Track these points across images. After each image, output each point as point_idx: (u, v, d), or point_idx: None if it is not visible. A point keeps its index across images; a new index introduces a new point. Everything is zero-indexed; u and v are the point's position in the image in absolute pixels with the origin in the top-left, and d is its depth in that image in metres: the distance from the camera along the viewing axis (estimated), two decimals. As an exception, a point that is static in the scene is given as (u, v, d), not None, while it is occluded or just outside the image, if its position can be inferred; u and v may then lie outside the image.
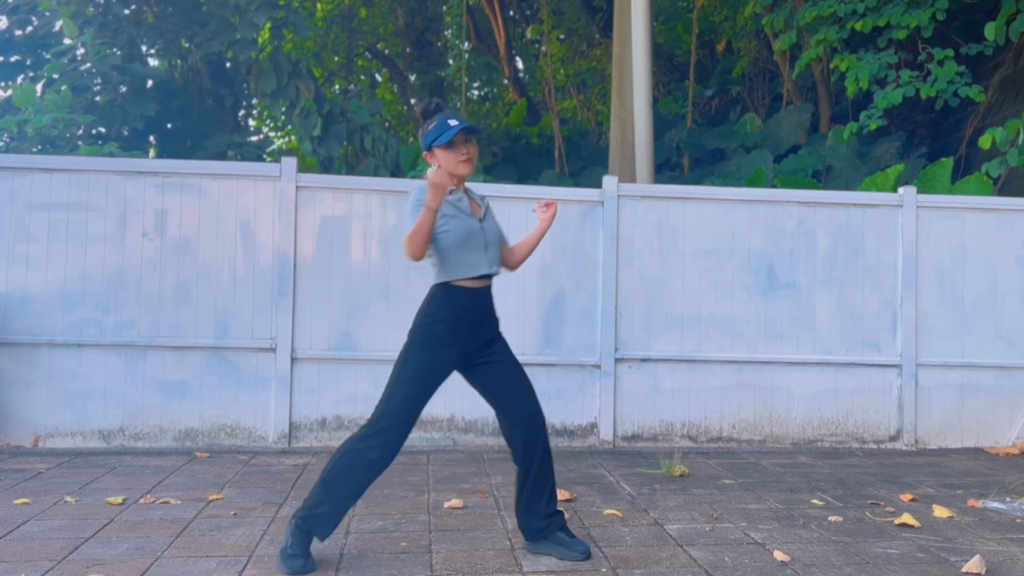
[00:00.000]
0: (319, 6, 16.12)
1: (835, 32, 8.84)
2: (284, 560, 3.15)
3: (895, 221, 6.17)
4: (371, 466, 3.18)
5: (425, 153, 3.28)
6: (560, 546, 3.32)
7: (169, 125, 11.49)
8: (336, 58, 17.04)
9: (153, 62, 12.60)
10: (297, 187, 5.75)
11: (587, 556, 3.30)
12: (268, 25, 10.18)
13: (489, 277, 3.33)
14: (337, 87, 17.36)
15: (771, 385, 6.03)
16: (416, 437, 5.74)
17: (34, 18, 10.55)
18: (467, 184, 3.45)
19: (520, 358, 5.97)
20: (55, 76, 9.29)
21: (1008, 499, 4.47)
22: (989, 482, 4.93)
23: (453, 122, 3.18)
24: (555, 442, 5.86)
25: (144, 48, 11.87)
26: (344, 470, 3.18)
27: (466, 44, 16.30)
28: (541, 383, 5.85)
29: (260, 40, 10.62)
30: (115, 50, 10.12)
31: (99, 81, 9.82)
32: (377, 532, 3.66)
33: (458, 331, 3.25)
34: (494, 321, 3.40)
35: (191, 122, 11.58)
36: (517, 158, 12.84)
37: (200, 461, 5.23)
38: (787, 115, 10.91)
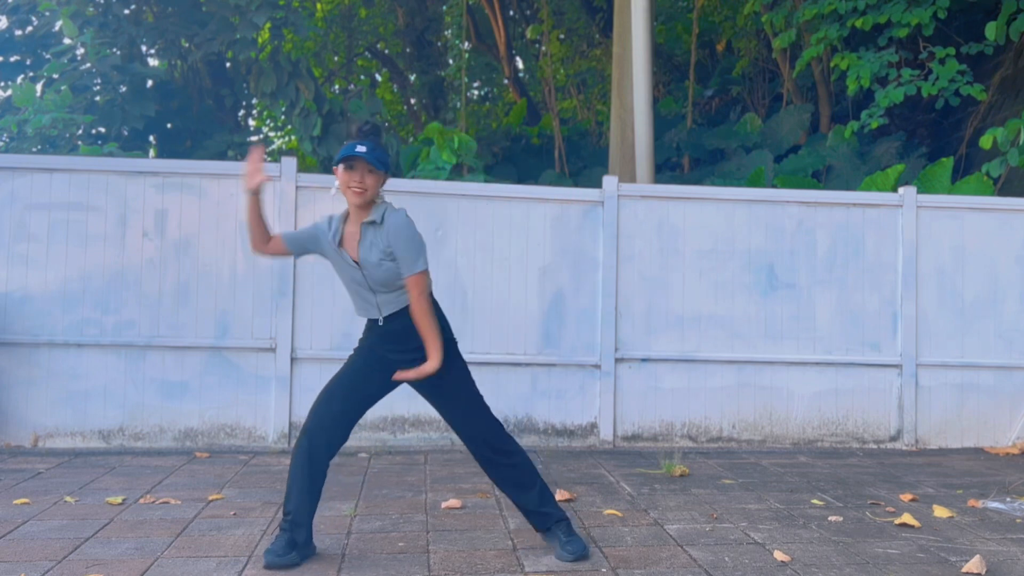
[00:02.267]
0: (319, 6, 16.11)
1: (835, 30, 8.84)
2: (265, 553, 3.21)
3: (895, 221, 6.16)
4: (303, 467, 3.21)
5: (334, 168, 3.25)
6: (556, 544, 3.33)
7: (169, 125, 11.48)
8: (336, 58, 17.04)
9: (153, 62, 12.60)
10: (297, 187, 5.75)
11: (577, 558, 3.28)
12: (268, 25, 10.18)
13: (380, 321, 3.27)
14: (337, 87, 17.36)
15: (771, 385, 6.03)
16: (414, 437, 5.74)
17: (34, 18, 10.54)
18: (381, 206, 3.24)
19: (520, 358, 6.00)
20: (55, 76, 9.28)
21: (1008, 499, 4.47)
22: (989, 482, 4.92)
23: (360, 148, 3.12)
24: (555, 442, 5.86)
25: (144, 48, 11.87)
26: (290, 476, 3.25)
27: (466, 44, 16.29)
28: (541, 383, 5.86)
29: (260, 40, 10.61)
30: (115, 50, 10.11)
31: (99, 81, 9.82)
32: (376, 532, 3.66)
33: (377, 357, 3.30)
34: (420, 355, 3.22)
35: (191, 122, 11.57)
36: (517, 158, 12.84)
37: (200, 461, 5.23)
38: (787, 115, 10.90)
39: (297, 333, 5.69)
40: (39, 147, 8.40)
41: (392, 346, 3.29)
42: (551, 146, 13.27)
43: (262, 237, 3.29)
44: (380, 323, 3.28)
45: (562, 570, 3.19)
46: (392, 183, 6.02)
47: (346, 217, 3.31)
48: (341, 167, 3.18)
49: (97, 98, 9.91)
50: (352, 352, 3.40)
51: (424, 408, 5.68)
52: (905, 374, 6.07)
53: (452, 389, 3.32)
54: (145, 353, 5.59)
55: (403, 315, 3.25)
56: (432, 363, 3.17)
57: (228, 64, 12.77)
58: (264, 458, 5.35)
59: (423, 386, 3.32)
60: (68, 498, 4.19)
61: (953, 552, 3.49)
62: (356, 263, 3.22)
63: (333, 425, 3.26)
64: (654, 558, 3.36)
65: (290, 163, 5.78)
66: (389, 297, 3.25)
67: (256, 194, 3.21)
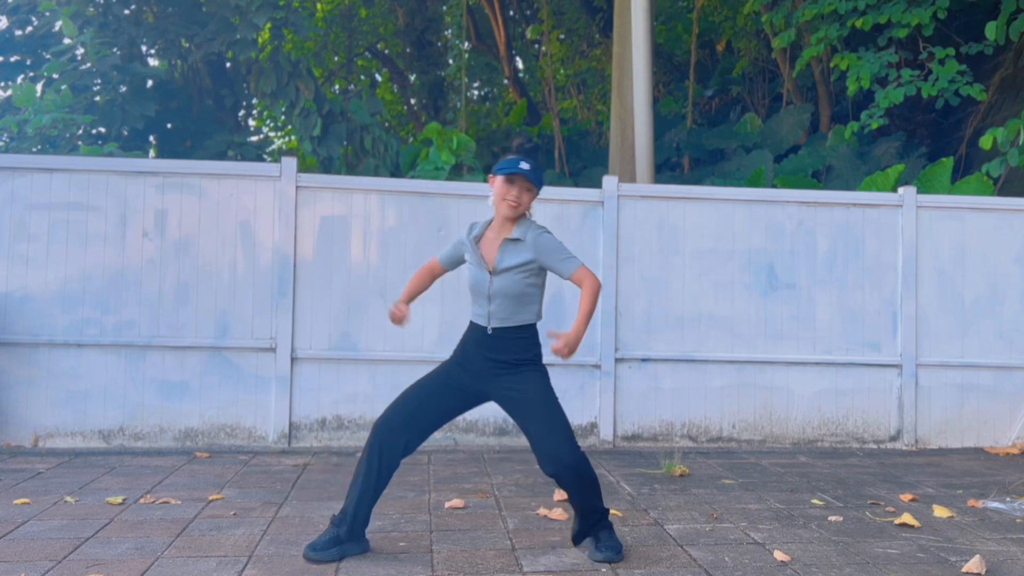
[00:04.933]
0: (319, 6, 16.11)
1: (835, 30, 8.84)
2: (306, 546, 3.30)
3: (895, 221, 6.16)
4: (362, 461, 3.30)
5: (489, 175, 3.33)
6: (592, 546, 3.34)
7: (169, 125, 11.48)
8: (336, 58, 17.04)
9: (153, 62, 12.60)
10: (297, 187, 5.75)
11: (607, 560, 3.28)
12: (268, 25, 10.18)
13: (488, 330, 3.29)
14: (337, 87, 17.36)
15: (771, 385, 6.03)
16: (416, 437, 5.74)
17: (34, 18, 10.54)
18: (525, 223, 3.33)
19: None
20: (55, 76, 9.28)
21: (1008, 499, 4.47)
22: (989, 482, 4.93)
23: (524, 165, 3.23)
24: (555, 442, 5.85)
25: (144, 48, 11.87)
26: (354, 475, 3.35)
27: (466, 44, 16.30)
28: (541, 383, 5.85)
29: (260, 40, 10.61)
30: (115, 50, 10.11)
31: (99, 81, 9.82)
32: (377, 532, 3.66)
33: (467, 359, 3.35)
34: (511, 361, 3.30)
35: (191, 122, 11.57)
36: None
37: (200, 461, 5.23)
38: (787, 115, 10.91)
39: (297, 333, 5.69)
40: (39, 147, 8.40)
41: (492, 353, 3.30)
42: (551, 146, 13.28)
43: (426, 284, 3.61)
44: (488, 332, 3.31)
45: (560, 570, 3.19)
46: (392, 183, 6.04)
47: (490, 223, 3.40)
48: (500, 179, 3.25)
49: (97, 98, 9.91)
50: (446, 360, 3.44)
51: (424, 408, 5.67)
52: (905, 374, 6.07)
53: (535, 404, 3.28)
54: (145, 353, 5.59)
55: (510, 332, 3.30)
56: (571, 336, 3.15)
57: (228, 64, 12.77)
58: (264, 458, 5.35)
59: (508, 401, 3.32)
60: (68, 498, 4.19)
61: (953, 552, 3.49)
62: (488, 268, 3.29)
63: (402, 426, 3.29)
64: (654, 558, 3.36)
65: (290, 163, 5.78)
66: (501, 312, 3.28)
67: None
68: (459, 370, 3.36)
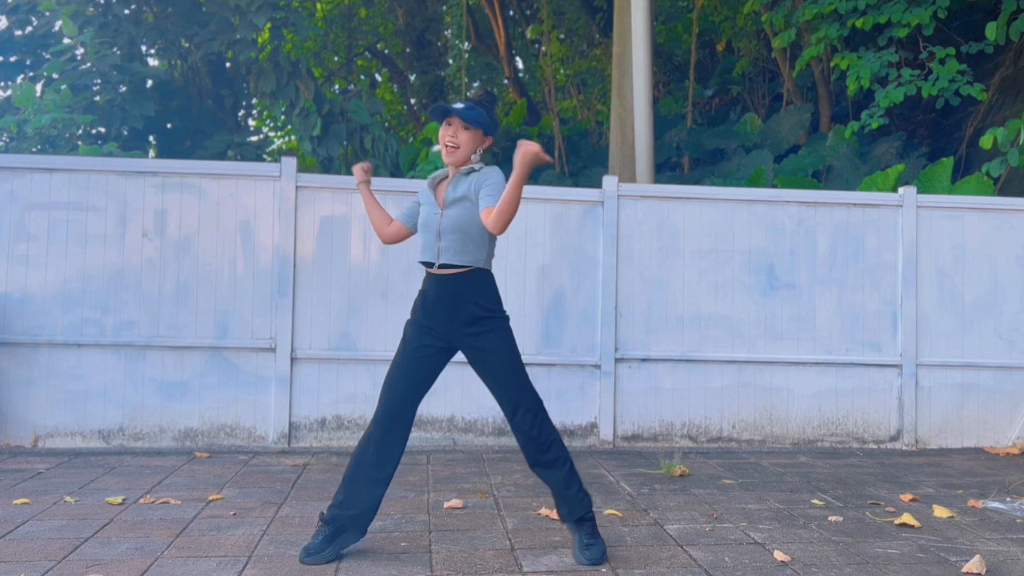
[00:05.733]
0: (319, 6, 16.12)
1: (835, 30, 8.84)
2: (301, 550, 3.27)
3: (895, 221, 6.16)
4: (372, 455, 3.29)
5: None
6: (577, 546, 3.30)
7: (169, 125, 11.49)
8: (336, 58, 17.05)
9: (153, 62, 12.60)
10: (297, 187, 5.75)
11: (593, 563, 3.24)
12: (268, 25, 10.18)
13: (435, 265, 3.29)
14: (337, 87, 17.37)
15: (771, 385, 6.03)
16: (416, 437, 5.74)
17: (34, 18, 10.54)
18: (473, 166, 3.32)
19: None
20: (55, 75, 9.28)
21: (1008, 499, 4.47)
22: (989, 482, 4.92)
23: (457, 105, 3.27)
24: (555, 442, 5.85)
25: (144, 48, 11.87)
26: (352, 465, 3.35)
27: (466, 44, 16.30)
28: (541, 383, 5.85)
29: (260, 40, 10.62)
30: (115, 50, 10.11)
31: (99, 81, 9.82)
32: (377, 532, 3.66)
33: (424, 311, 3.35)
34: (469, 311, 3.27)
35: (191, 122, 11.57)
36: (517, 158, 12.80)
37: (200, 461, 5.23)
38: (787, 115, 10.90)
39: (297, 333, 5.69)
40: (39, 147, 8.40)
41: (443, 310, 3.29)
42: (551, 146, 13.27)
43: (383, 221, 3.61)
44: (437, 267, 3.29)
45: (560, 570, 3.19)
46: (392, 183, 6.04)
47: (448, 174, 3.47)
48: (440, 127, 3.34)
49: (97, 98, 9.92)
50: (403, 334, 3.42)
51: (426, 408, 5.67)
52: (905, 374, 6.07)
53: (498, 363, 3.30)
54: (145, 353, 5.59)
55: (460, 277, 3.27)
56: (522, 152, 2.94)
57: (228, 64, 12.78)
58: (264, 458, 5.35)
59: (473, 357, 3.32)
60: (68, 498, 4.19)
61: (953, 552, 3.49)
62: (440, 204, 3.33)
63: (400, 412, 3.29)
64: (654, 558, 3.36)
65: (290, 163, 5.78)
66: (451, 247, 3.26)
67: (366, 184, 3.62)
68: (422, 333, 3.33)
